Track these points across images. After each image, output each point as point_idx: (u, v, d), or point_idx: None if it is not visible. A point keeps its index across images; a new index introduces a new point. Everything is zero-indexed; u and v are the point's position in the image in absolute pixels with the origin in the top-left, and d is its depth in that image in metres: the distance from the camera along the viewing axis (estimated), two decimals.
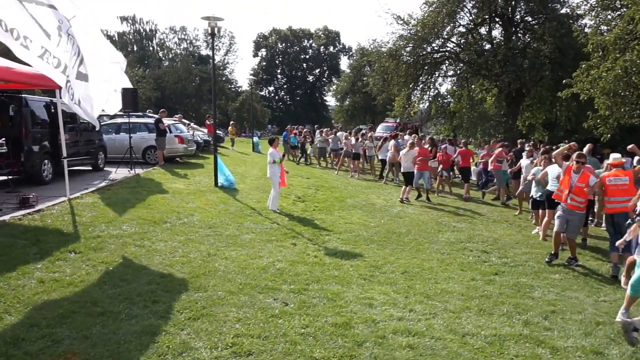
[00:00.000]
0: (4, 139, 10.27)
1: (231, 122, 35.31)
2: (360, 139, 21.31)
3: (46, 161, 11.98)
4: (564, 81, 19.06)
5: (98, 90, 8.93)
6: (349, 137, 21.83)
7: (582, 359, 5.04)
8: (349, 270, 7.55)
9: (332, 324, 5.43)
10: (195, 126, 27.09)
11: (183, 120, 25.14)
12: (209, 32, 13.38)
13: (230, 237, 8.96)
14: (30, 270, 6.30)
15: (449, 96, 32.47)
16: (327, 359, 4.72)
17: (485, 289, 7.09)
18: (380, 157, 20.38)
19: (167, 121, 17.88)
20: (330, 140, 24.36)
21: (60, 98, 9.68)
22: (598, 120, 17.99)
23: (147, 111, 26.23)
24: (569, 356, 5.04)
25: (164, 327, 5.06)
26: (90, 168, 15.02)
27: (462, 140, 19.19)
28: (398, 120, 39.10)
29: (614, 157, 8.90)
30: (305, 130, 29.59)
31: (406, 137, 21.42)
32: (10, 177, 10.98)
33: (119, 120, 17.67)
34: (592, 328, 5.76)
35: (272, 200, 11.73)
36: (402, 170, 15.50)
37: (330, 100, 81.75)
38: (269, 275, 7.03)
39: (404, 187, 15.03)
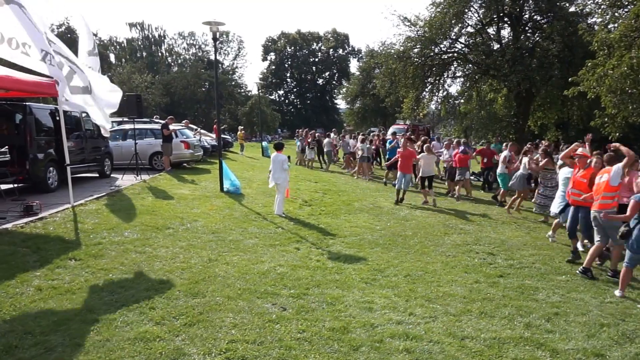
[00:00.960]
0: (6, 147, 10.34)
1: (239, 127, 35.34)
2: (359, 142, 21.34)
3: (51, 169, 12.01)
4: (569, 79, 18.83)
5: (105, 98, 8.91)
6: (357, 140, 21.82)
7: None
8: (350, 274, 7.46)
9: (329, 329, 5.36)
10: (203, 131, 27.17)
11: (190, 125, 25.21)
12: (212, 36, 13.37)
13: (233, 242, 8.91)
14: (29, 278, 6.31)
15: (459, 97, 32.23)
16: None
17: (489, 291, 6.97)
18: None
19: (172, 126, 17.91)
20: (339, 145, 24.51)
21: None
22: (605, 119, 17.74)
23: (155, 117, 26.34)
24: (569, 359, 4.92)
25: (158, 334, 5.02)
26: (97, 175, 15.12)
27: (456, 141, 18.83)
28: (408, 122, 38.94)
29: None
30: (318, 134, 29.49)
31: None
32: (15, 184, 11.04)
33: (125, 126, 17.74)
34: (595, 330, 5.64)
35: (277, 205, 11.64)
36: (420, 175, 15.05)
37: (341, 103, 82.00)
38: (269, 280, 6.96)
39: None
